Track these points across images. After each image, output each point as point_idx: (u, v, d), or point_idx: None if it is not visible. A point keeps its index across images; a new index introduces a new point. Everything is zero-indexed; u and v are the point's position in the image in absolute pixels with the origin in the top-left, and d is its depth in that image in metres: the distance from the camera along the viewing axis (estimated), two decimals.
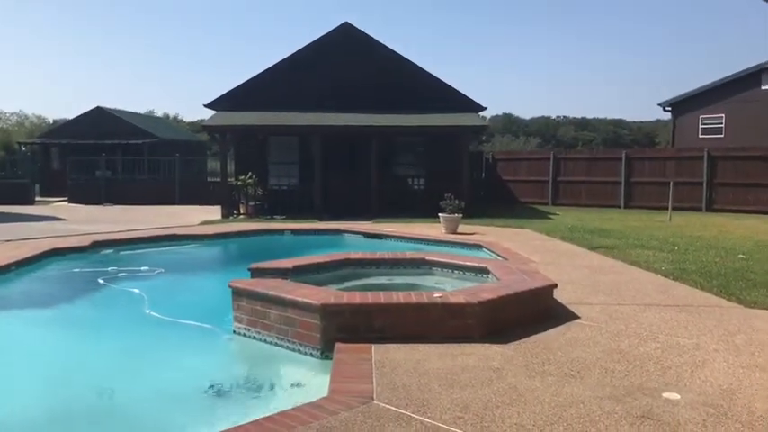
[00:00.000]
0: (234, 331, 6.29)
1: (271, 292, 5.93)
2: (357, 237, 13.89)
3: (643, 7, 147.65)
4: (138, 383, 5.32)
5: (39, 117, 69.35)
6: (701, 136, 30.57)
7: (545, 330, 5.90)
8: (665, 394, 4.30)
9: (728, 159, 22.53)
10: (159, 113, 75.22)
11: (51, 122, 62.24)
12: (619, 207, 24.04)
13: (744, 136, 27.58)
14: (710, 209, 22.38)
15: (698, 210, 22.39)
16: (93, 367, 5.77)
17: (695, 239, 13.41)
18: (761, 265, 9.88)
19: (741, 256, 10.95)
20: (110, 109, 35.75)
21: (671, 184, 20.64)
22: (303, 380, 5.14)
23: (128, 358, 5.99)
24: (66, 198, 27.33)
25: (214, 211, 20.35)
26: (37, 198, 28.36)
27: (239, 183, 20.30)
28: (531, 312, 6.36)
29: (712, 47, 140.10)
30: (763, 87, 28.81)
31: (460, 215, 15.04)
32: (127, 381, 5.37)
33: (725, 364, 5.01)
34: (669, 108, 32.82)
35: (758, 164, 21.92)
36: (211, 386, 5.01)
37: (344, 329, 5.49)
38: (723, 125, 30.11)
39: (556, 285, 6.97)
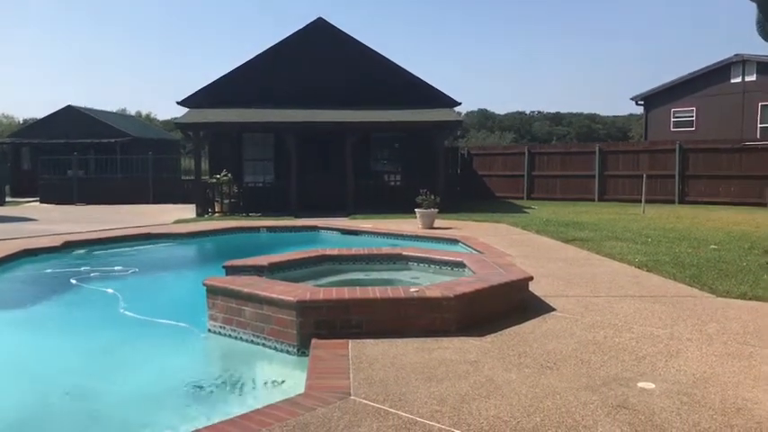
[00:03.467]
0: (209, 329, 6.23)
1: (246, 290, 5.88)
2: (333, 233, 13.85)
3: (615, 2, 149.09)
4: (112, 383, 5.24)
5: (8, 117, 68.35)
6: (672, 129, 30.95)
7: (521, 323, 5.92)
8: (641, 384, 4.34)
9: (699, 152, 22.87)
10: (132, 111, 74.23)
11: (21, 122, 61.30)
12: (593, 200, 24.28)
13: (714, 128, 28.01)
14: (683, 201, 22.70)
15: (671, 202, 22.70)
16: (67, 368, 5.67)
17: (668, 231, 13.58)
18: (732, 256, 10.03)
19: (713, 246, 11.11)
20: (81, 108, 35.24)
21: (644, 176, 20.91)
22: (279, 377, 5.11)
23: (102, 358, 5.90)
24: (37, 198, 26.89)
25: (189, 210, 20.16)
26: (7, 199, 27.87)
27: (214, 181, 20.13)
28: (508, 305, 6.39)
29: (684, 40, 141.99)
30: (731, 81, 29.26)
31: (437, 210, 15.06)
32: (101, 381, 5.29)
33: (698, 353, 5.07)
34: (641, 102, 33.18)
35: (728, 156, 22.28)
36: (187, 385, 4.95)
37: (321, 325, 5.46)
38: (694, 118, 30.52)
39: (531, 278, 7.00)
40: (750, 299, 7.08)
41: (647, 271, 8.79)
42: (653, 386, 4.30)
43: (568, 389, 4.25)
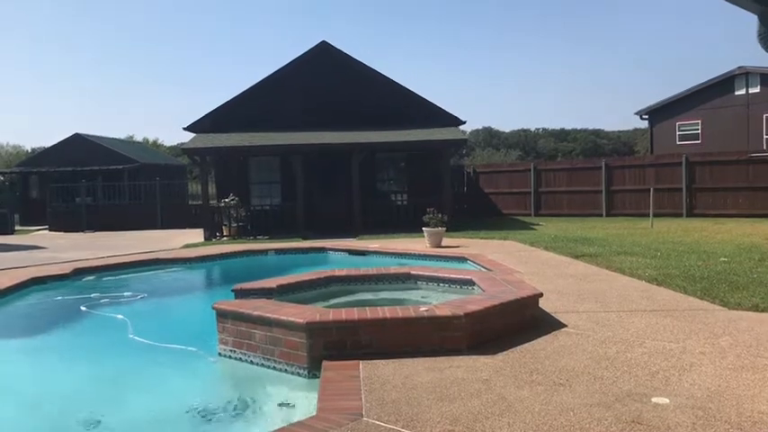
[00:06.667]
0: (219, 353, 6.22)
1: (255, 313, 5.88)
2: (341, 254, 13.86)
3: (618, 16, 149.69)
4: (123, 409, 5.22)
5: (15, 147, 68.92)
6: (678, 142, 30.96)
7: (532, 340, 5.89)
8: (654, 399, 4.30)
9: (706, 164, 22.81)
10: (139, 138, 74.57)
11: (29, 151, 61.80)
12: (601, 215, 24.21)
13: (720, 141, 28.02)
14: (691, 214, 22.60)
15: (678, 215, 22.61)
16: (77, 395, 5.67)
17: (677, 244, 13.51)
18: (743, 268, 9.96)
19: (723, 259, 11.04)
20: (88, 135, 35.50)
21: (651, 190, 20.86)
22: (291, 399, 5.09)
23: (112, 384, 5.89)
24: (46, 226, 27.03)
25: (197, 234, 20.22)
26: (17, 227, 28.02)
27: (221, 205, 20.21)
28: (518, 322, 6.36)
29: (687, 54, 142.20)
30: (736, 93, 29.28)
31: (444, 228, 15.05)
32: (112, 407, 5.27)
33: (711, 366, 5.02)
34: (646, 116, 33.24)
35: (735, 168, 22.21)
36: (198, 409, 4.94)
37: (331, 347, 5.44)
38: (699, 131, 30.54)
39: (541, 295, 6.98)
40: (762, 311, 7.02)
41: (658, 285, 8.74)
42: (667, 401, 4.26)
43: (582, 405, 4.21)
